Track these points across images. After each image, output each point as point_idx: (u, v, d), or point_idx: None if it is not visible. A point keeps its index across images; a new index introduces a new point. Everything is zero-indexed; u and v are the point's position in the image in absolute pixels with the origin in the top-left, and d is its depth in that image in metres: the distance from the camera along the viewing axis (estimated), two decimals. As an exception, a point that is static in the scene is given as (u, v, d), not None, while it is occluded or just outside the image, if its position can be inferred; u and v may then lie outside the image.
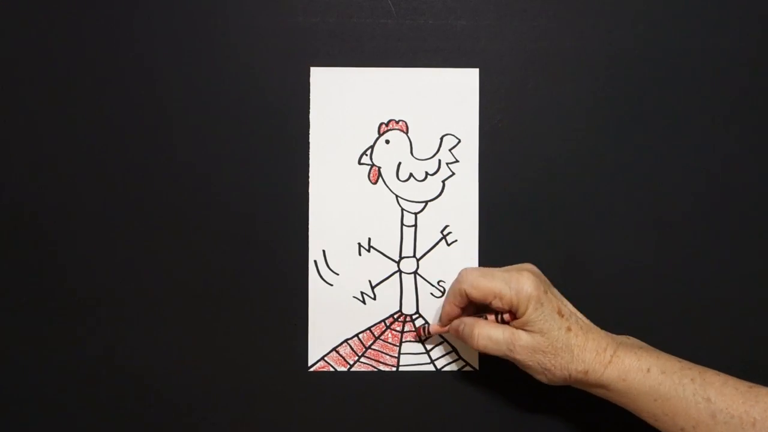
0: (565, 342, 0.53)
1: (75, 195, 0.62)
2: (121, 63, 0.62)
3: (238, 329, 0.62)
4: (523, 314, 0.54)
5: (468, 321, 0.57)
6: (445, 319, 0.59)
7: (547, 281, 0.56)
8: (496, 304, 0.55)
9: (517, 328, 0.55)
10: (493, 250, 0.62)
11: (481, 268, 0.59)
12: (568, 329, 0.54)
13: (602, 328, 0.56)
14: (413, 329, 0.63)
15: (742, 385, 0.50)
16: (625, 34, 0.63)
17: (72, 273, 0.62)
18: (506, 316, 0.55)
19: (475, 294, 0.56)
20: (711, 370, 0.52)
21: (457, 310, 0.58)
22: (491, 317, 0.57)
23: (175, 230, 0.62)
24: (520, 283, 0.54)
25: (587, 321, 0.56)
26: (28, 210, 0.62)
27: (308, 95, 0.62)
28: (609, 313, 0.62)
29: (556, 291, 0.56)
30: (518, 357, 0.54)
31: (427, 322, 0.62)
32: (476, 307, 0.59)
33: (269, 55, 0.62)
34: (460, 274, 0.58)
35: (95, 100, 0.62)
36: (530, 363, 0.54)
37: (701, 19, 0.63)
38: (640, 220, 0.63)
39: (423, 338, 0.62)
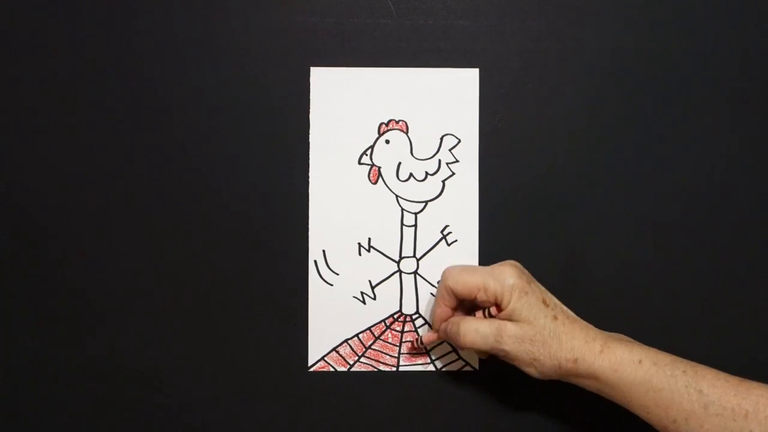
0: (552, 330, 0.53)
1: (76, 195, 0.62)
2: (121, 63, 0.62)
3: (238, 329, 0.62)
4: (508, 304, 0.54)
5: (455, 320, 0.57)
6: (437, 322, 0.59)
7: (530, 276, 0.57)
8: (481, 297, 0.55)
9: (503, 319, 0.55)
10: (493, 250, 0.62)
11: (464, 265, 0.60)
12: (555, 318, 0.54)
13: (601, 327, 0.56)
14: (413, 329, 0.63)
15: (734, 379, 0.51)
16: (625, 34, 0.63)
17: (72, 273, 0.62)
18: (493, 310, 0.55)
19: (460, 289, 0.56)
20: (702, 365, 0.52)
21: (447, 311, 0.58)
22: (479, 314, 0.57)
23: (175, 230, 0.62)
24: (503, 274, 0.55)
25: (573, 314, 0.56)
26: (29, 210, 0.62)
27: (308, 95, 0.62)
28: (609, 312, 0.62)
29: (539, 284, 0.56)
30: (506, 348, 0.54)
31: (419, 334, 0.62)
32: (465, 309, 0.59)
33: (269, 55, 0.62)
34: (443, 273, 0.58)
35: (95, 100, 0.62)
36: (518, 353, 0.54)
37: (701, 19, 0.63)
38: (640, 220, 0.63)
39: (418, 350, 0.62)
